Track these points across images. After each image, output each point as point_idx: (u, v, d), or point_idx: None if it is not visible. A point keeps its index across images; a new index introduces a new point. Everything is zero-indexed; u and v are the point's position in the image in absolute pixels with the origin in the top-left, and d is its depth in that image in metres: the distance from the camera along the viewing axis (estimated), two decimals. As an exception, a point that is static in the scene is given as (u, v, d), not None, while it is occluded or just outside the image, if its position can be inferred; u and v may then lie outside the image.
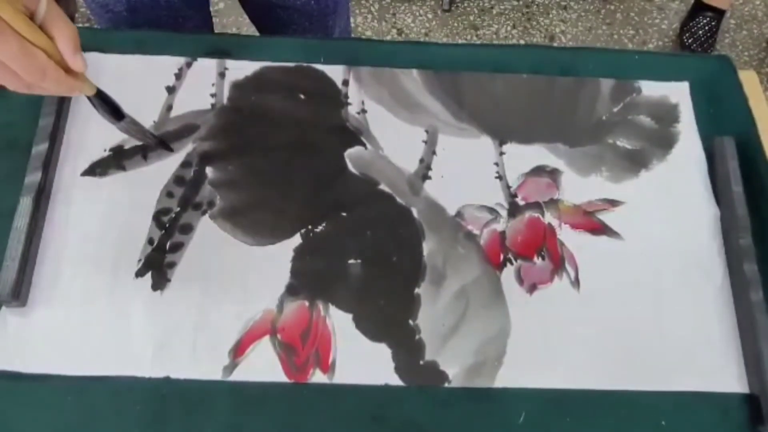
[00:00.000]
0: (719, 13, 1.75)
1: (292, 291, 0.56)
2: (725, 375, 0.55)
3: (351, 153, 0.62)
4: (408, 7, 1.79)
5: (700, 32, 1.73)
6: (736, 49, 1.79)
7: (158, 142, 0.60)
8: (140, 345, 0.53)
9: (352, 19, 1.34)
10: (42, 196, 0.56)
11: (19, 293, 0.52)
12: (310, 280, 0.56)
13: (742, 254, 0.58)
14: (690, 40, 1.74)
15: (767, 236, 0.60)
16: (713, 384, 0.55)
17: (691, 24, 1.75)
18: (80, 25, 1.65)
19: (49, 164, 0.57)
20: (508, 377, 0.54)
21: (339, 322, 0.55)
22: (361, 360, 0.54)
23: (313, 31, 0.85)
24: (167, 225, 0.57)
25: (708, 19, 1.74)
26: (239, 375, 0.52)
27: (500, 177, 0.62)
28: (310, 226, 0.59)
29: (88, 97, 0.51)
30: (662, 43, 1.79)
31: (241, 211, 0.59)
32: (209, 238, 0.57)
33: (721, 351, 0.56)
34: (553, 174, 0.63)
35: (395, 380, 0.53)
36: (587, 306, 0.57)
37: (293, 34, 0.85)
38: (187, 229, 0.58)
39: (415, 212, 0.60)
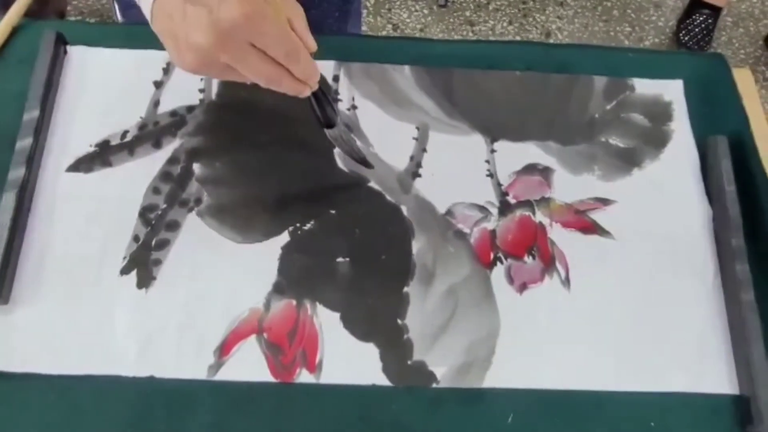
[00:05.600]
0: (716, 11, 1.74)
1: (279, 289, 0.55)
2: (715, 376, 0.54)
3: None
4: (404, 3, 1.78)
5: (697, 29, 1.73)
6: (732, 47, 1.79)
7: (362, 160, 0.58)
8: (124, 344, 0.52)
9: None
10: (25, 192, 0.55)
11: (0, 291, 0.51)
12: (297, 278, 0.56)
13: (734, 254, 0.57)
14: (686, 38, 1.74)
15: (759, 236, 0.60)
16: (703, 385, 0.54)
17: (687, 21, 1.75)
18: (73, 18, 1.63)
19: (33, 160, 0.56)
20: (497, 377, 0.53)
21: (326, 321, 0.54)
22: (348, 360, 0.53)
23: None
24: (153, 222, 0.57)
25: (704, 16, 1.73)
26: (224, 374, 0.52)
27: (491, 175, 0.62)
28: (298, 224, 0.58)
29: (311, 95, 0.48)
30: (659, 40, 1.79)
31: (228, 208, 0.58)
32: (196, 236, 0.57)
33: (712, 352, 0.55)
34: (545, 172, 0.62)
35: (383, 380, 0.52)
36: (577, 305, 0.56)
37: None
38: (174, 226, 0.57)
39: (404, 210, 0.59)
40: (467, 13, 1.78)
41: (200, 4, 0.40)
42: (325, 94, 0.50)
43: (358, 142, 0.61)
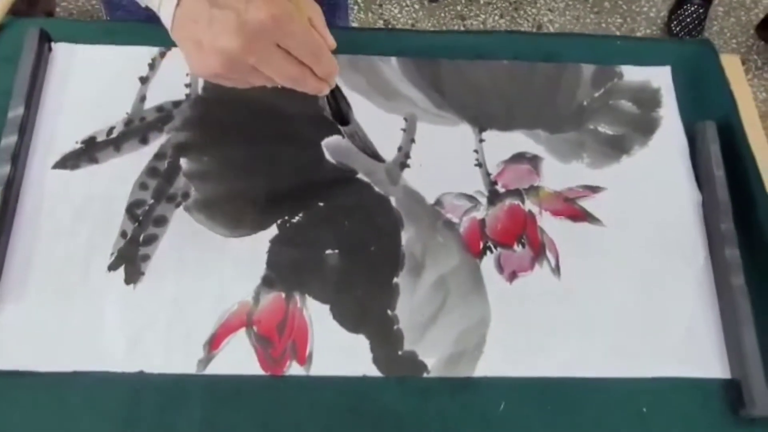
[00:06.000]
0: (707, 0, 1.74)
1: (268, 282, 0.55)
2: (707, 360, 0.54)
3: (328, 142, 0.61)
4: (394, -2, 1.78)
5: (688, 20, 1.73)
6: (724, 36, 1.79)
7: (375, 154, 0.60)
8: (113, 339, 0.52)
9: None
10: (11, 189, 0.55)
11: (-13, 289, 0.51)
12: (286, 271, 0.55)
13: (723, 239, 0.57)
14: (678, 28, 1.73)
15: (748, 221, 0.59)
16: (695, 370, 0.54)
17: (679, 12, 1.75)
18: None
19: (18, 157, 0.56)
20: (488, 366, 0.53)
21: (316, 313, 0.54)
22: (338, 351, 0.53)
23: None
24: (141, 217, 0.56)
25: (696, 6, 1.73)
26: (214, 368, 0.51)
27: (480, 164, 0.62)
28: (286, 217, 0.58)
29: (329, 93, 0.48)
30: (650, 31, 1.79)
31: (216, 202, 0.58)
32: (184, 230, 0.56)
33: (703, 336, 0.55)
34: (534, 161, 0.62)
35: (373, 371, 0.52)
36: (568, 293, 0.56)
37: None
38: (162, 221, 0.57)
39: (393, 201, 0.59)
40: (458, 8, 1.78)
41: (227, 8, 0.40)
42: (340, 91, 0.50)
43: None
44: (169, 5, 0.43)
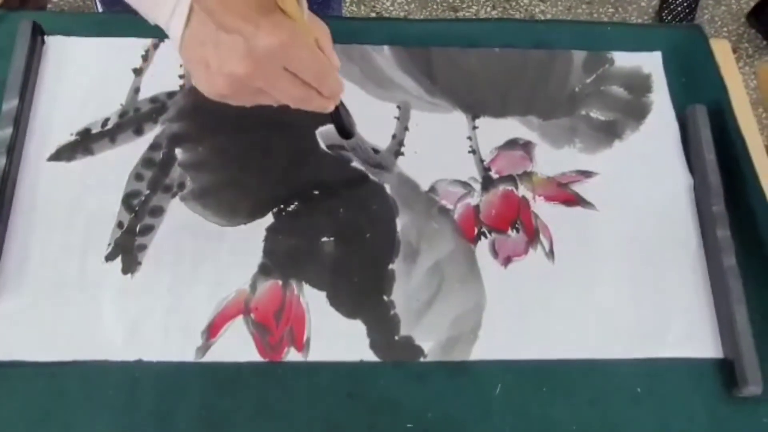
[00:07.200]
0: (698, -11, 1.75)
1: (265, 270, 0.55)
2: (700, 341, 0.55)
3: (322, 131, 0.61)
4: (386, -10, 1.78)
5: (679, 8, 1.73)
6: (715, 25, 1.79)
7: (378, 165, 0.60)
8: (111, 329, 0.52)
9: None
10: (7, 182, 0.55)
11: (-15, 280, 0.51)
12: (283, 259, 0.56)
13: (715, 221, 0.58)
14: (669, 17, 1.74)
15: (740, 203, 0.60)
16: (688, 350, 0.55)
17: (670, 1, 1.75)
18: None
19: (13, 149, 0.56)
20: (483, 350, 0.54)
21: (313, 300, 0.54)
22: (335, 337, 0.53)
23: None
24: (137, 208, 0.57)
25: (687, -5, 1.74)
26: (212, 356, 0.52)
27: (473, 151, 0.62)
28: (282, 205, 0.58)
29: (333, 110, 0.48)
30: (642, 20, 1.79)
31: (211, 192, 0.58)
32: (180, 220, 0.57)
33: (696, 317, 0.56)
34: (527, 147, 0.63)
35: (370, 356, 0.53)
36: (562, 277, 0.57)
37: None
38: (158, 211, 0.57)
39: (388, 188, 0.60)
40: (450, -1, 1.78)
41: (235, 32, 0.40)
42: (344, 107, 0.50)
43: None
44: (178, 26, 0.43)
